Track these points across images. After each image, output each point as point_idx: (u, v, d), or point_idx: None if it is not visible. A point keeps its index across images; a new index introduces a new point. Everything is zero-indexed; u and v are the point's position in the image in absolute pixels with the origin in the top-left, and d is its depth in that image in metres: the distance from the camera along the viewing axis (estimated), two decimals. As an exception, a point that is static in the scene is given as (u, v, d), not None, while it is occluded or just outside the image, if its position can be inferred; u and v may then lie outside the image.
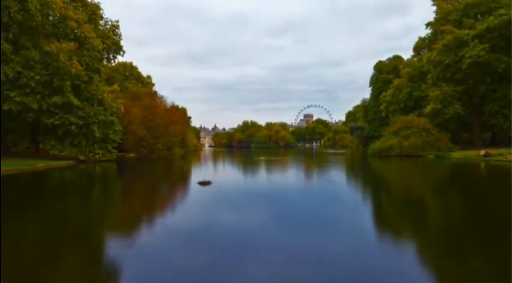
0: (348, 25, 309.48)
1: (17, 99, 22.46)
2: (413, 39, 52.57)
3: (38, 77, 22.90)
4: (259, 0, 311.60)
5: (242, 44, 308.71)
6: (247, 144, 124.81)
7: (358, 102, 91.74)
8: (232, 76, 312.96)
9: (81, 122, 24.95)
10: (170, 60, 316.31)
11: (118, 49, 30.13)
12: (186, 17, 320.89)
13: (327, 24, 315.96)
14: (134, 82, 51.24)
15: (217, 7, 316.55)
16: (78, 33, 25.29)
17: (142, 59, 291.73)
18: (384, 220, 7.70)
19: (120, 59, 32.76)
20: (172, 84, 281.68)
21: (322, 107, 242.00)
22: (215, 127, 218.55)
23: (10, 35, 23.65)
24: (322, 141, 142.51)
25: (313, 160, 35.40)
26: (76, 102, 24.44)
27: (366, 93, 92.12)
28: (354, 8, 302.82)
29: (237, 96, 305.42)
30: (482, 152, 31.13)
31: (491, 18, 35.98)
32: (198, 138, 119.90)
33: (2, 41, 22.13)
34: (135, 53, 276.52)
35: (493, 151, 31.06)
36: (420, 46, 51.00)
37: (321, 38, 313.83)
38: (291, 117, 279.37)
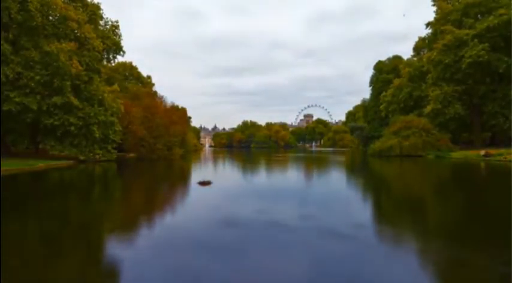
0: (358, 49, 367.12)
1: (17, 99, 22.44)
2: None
3: (38, 78, 22.89)
4: (291, 32, 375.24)
5: (270, 62, 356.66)
6: (247, 144, 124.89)
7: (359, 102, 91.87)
8: (253, 84, 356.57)
9: (80, 123, 24.92)
10: (204, 73, 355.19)
11: (118, 49, 30.15)
12: (228, 43, 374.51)
13: (342, 48, 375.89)
14: (134, 82, 51.27)
15: (254, 39, 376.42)
16: (79, 34, 25.29)
17: (182, 71, 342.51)
18: (384, 219, 7.69)
19: (120, 59, 32.80)
20: (196, 91, 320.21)
21: (323, 107, 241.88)
22: (215, 127, 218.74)
23: (10, 36, 23.61)
24: (322, 141, 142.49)
25: (313, 160, 35.38)
26: (76, 102, 24.42)
27: (367, 94, 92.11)
28: (363, 37, 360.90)
29: (251, 100, 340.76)
30: (482, 152, 31.14)
31: (491, 18, 36.03)
32: (198, 138, 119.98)
33: (2, 42, 22.12)
34: (175, 67, 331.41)
35: (493, 151, 31.08)
36: (420, 46, 51.07)
37: (336, 58, 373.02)
38: (292, 117, 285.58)
